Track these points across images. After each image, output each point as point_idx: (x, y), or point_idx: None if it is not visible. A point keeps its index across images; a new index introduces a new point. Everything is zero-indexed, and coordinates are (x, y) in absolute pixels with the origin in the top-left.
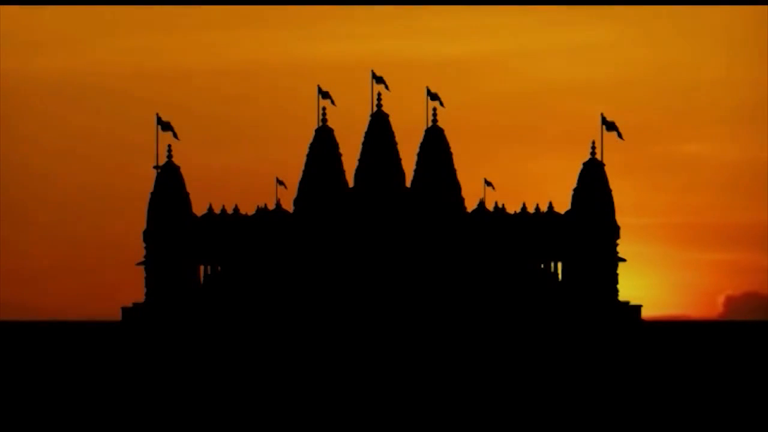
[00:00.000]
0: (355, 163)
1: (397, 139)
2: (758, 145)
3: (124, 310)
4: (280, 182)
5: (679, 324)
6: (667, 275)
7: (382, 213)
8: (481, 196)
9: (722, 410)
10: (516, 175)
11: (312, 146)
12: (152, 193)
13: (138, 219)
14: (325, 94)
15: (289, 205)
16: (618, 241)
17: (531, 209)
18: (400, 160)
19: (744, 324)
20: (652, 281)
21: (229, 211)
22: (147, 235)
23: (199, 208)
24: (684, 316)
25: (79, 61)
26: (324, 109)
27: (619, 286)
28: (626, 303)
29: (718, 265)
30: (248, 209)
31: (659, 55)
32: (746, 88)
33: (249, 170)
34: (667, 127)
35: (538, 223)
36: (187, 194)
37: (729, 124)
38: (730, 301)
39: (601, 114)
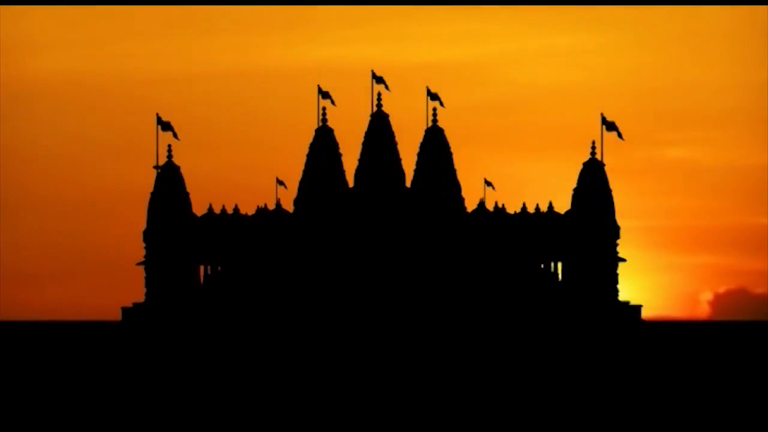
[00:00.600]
0: (355, 163)
1: (397, 139)
2: (754, 149)
3: (124, 310)
4: (280, 182)
5: (677, 324)
6: (657, 277)
7: (382, 213)
8: (481, 196)
9: (723, 410)
10: (516, 175)
11: (312, 146)
12: (152, 193)
13: (138, 219)
14: (325, 95)
15: (289, 205)
16: (618, 241)
17: (531, 209)
18: (400, 160)
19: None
20: (644, 283)
21: (229, 211)
22: (147, 235)
23: (199, 208)
24: (673, 316)
25: (79, 62)
26: (324, 109)
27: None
28: (626, 303)
29: (707, 268)
30: (248, 209)
31: (657, 56)
32: (742, 91)
33: (249, 170)
34: (658, 129)
35: (538, 223)
36: (187, 194)
37: (723, 128)
38: (716, 301)
39: (601, 114)
